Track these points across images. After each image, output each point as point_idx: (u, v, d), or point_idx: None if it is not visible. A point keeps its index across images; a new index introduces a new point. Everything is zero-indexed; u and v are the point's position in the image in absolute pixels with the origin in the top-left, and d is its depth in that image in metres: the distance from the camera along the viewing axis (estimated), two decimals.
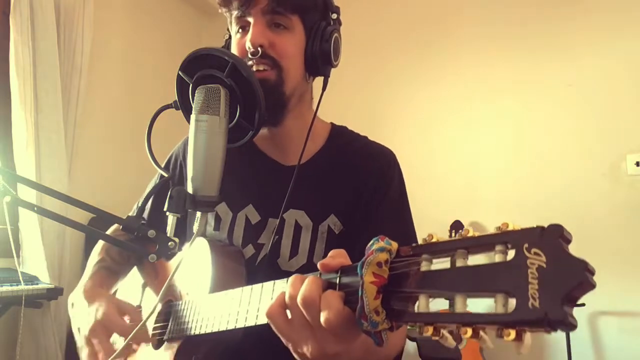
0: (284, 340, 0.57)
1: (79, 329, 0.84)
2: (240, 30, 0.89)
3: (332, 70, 0.94)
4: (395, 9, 3.07)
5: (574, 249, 0.37)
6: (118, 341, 0.82)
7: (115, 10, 2.95)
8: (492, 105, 2.71)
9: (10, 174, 0.75)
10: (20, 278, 2.02)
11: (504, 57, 2.69)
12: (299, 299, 0.53)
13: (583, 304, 2.26)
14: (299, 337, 0.54)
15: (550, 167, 2.49)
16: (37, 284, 2.17)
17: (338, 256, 0.56)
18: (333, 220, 0.90)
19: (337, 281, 0.53)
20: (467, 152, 2.75)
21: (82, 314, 0.85)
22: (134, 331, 0.69)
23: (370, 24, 3.13)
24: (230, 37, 0.94)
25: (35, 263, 2.31)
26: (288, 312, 0.56)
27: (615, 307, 2.28)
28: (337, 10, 0.93)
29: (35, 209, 0.70)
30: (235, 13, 0.88)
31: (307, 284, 0.53)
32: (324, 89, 0.94)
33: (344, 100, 3.00)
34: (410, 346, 1.12)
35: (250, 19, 0.86)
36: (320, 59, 0.89)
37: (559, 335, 2.30)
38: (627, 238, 2.28)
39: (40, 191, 0.74)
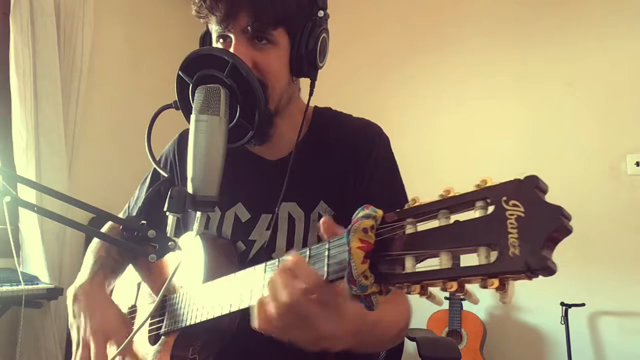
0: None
1: (78, 327, 0.85)
2: (221, 40, 0.84)
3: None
4: (395, 6, 3.07)
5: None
6: (112, 349, 0.83)
7: (115, 11, 2.94)
8: (491, 105, 2.70)
9: (10, 174, 0.75)
10: (20, 278, 2.01)
11: (503, 57, 2.68)
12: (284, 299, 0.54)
13: (583, 304, 2.26)
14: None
15: (549, 166, 2.49)
16: (37, 284, 2.17)
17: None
18: (323, 206, 0.90)
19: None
20: (466, 152, 2.74)
21: (84, 313, 0.85)
22: (133, 333, 0.69)
23: (369, 20, 3.13)
24: (207, 33, 0.90)
25: (35, 263, 2.31)
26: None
27: (615, 307, 2.28)
28: (324, 5, 0.86)
29: (35, 209, 0.71)
30: (214, 27, 0.83)
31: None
32: (311, 93, 0.91)
33: (343, 97, 2.99)
34: (410, 346, 1.12)
35: (231, 35, 0.82)
36: (306, 63, 0.85)
37: (559, 335, 2.30)
38: (627, 238, 2.28)
39: (40, 191, 0.74)
